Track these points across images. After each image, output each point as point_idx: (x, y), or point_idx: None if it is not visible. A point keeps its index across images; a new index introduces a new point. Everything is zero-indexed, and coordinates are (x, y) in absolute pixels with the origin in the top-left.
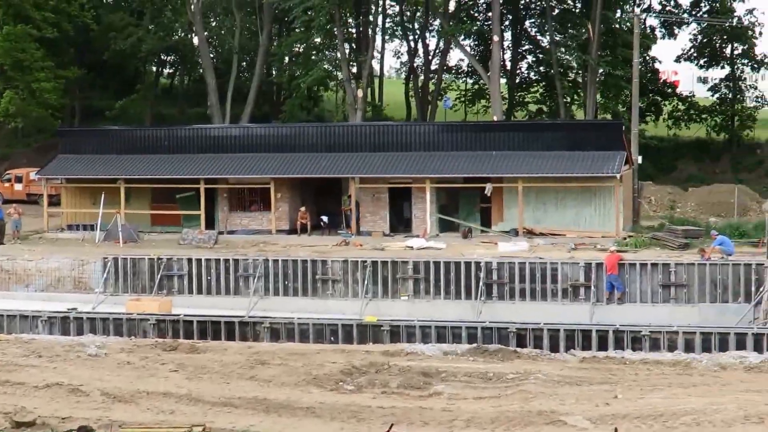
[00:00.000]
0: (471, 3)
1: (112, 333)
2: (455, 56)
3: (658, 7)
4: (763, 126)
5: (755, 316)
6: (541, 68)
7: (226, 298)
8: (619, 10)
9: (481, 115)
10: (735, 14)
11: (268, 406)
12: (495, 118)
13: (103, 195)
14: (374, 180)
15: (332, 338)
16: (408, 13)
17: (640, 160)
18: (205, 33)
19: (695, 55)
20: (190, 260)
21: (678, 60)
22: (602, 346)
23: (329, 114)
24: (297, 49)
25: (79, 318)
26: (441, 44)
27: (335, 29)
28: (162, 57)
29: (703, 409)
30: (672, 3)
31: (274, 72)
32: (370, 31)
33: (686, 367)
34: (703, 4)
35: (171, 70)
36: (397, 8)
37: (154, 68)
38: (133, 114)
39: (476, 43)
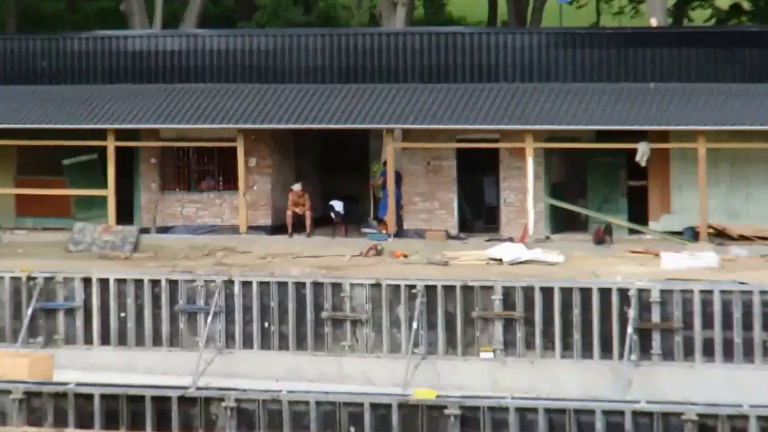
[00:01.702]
0: None
1: None
2: None
3: None
4: None
5: None
6: None
7: (155, 353)
8: None
9: (628, 18)
10: None
11: None
12: (653, 22)
13: None
14: (430, 135)
15: (352, 428)
16: None
17: None
18: None
19: None
20: (87, 282)
21: None
22: None
23: (344, 14)
24: None
25: None
26: None
27: None
28: None
29: None
30: None
31: None
32: None
33: None
34: None
35: None
36: None
37: None
38: None
39: None
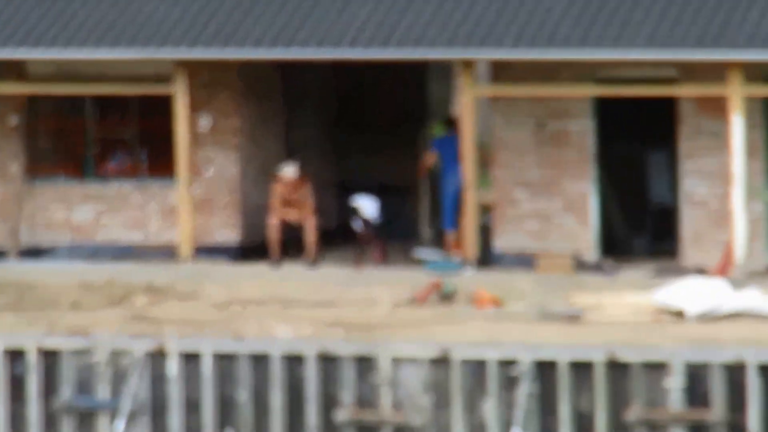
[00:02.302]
0: None
1: None
2: None
3: None
4: None
5: None
6: None
7: None
8: None
9: None
10: None
11: None
12: None
13: None
14: (544, 72)
15: None
16: None
17: None
18: None
19: None
20: None
21: None
22: None
23: None
24: None
25: None
26: None
27: None
28: None
29: None
30: None
31: None
32: None
33: None
34: None
35: None
36: None
37: None
38: None
39: None
